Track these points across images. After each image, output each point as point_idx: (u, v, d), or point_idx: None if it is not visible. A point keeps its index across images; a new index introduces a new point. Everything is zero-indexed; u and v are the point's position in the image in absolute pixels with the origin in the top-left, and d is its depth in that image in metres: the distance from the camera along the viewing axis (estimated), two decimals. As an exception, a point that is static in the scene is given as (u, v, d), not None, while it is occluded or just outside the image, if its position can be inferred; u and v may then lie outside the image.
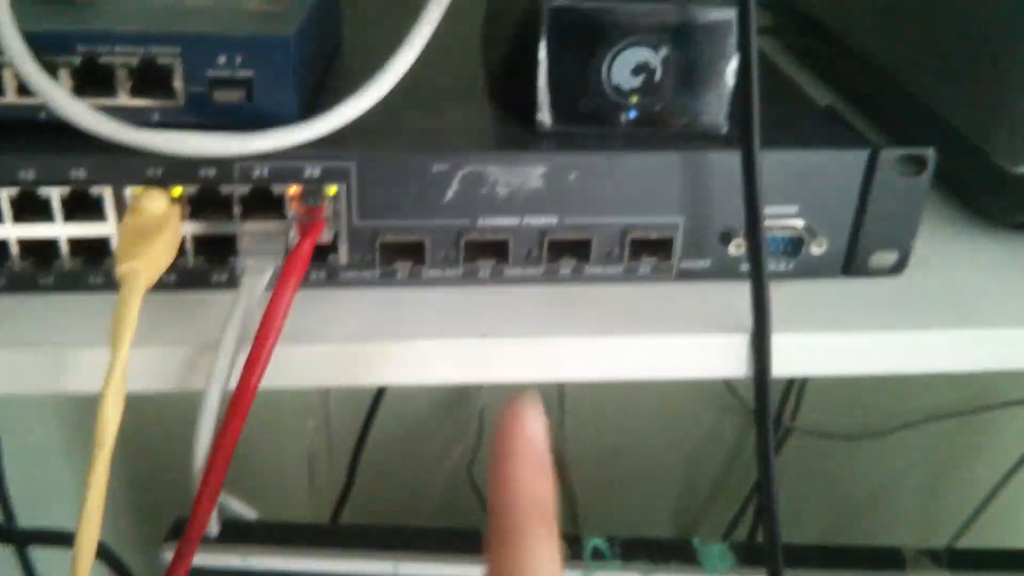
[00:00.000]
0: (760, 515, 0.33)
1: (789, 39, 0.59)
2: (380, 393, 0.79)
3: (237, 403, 0.32)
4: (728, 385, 0.86)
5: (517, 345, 0.35)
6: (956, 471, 0.94)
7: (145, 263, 0.32)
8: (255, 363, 0.32)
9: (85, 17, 0.35)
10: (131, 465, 0.77)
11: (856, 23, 0.50)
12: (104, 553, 0.63)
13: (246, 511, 0.36)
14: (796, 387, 0.83)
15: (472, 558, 0.57)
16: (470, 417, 0.86)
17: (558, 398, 0.85)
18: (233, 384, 0.32)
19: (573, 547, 0.56)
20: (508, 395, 0.28)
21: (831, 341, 0.36)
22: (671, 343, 0.35)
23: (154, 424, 0.66)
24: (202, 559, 0.55)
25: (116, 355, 0.30)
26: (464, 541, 0.58)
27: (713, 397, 0.89)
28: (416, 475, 0.89)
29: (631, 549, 0.57)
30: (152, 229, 0.33)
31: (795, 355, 0.36)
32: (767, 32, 0.60)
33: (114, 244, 0.35)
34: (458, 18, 0.39)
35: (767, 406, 0.35)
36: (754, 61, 0.33)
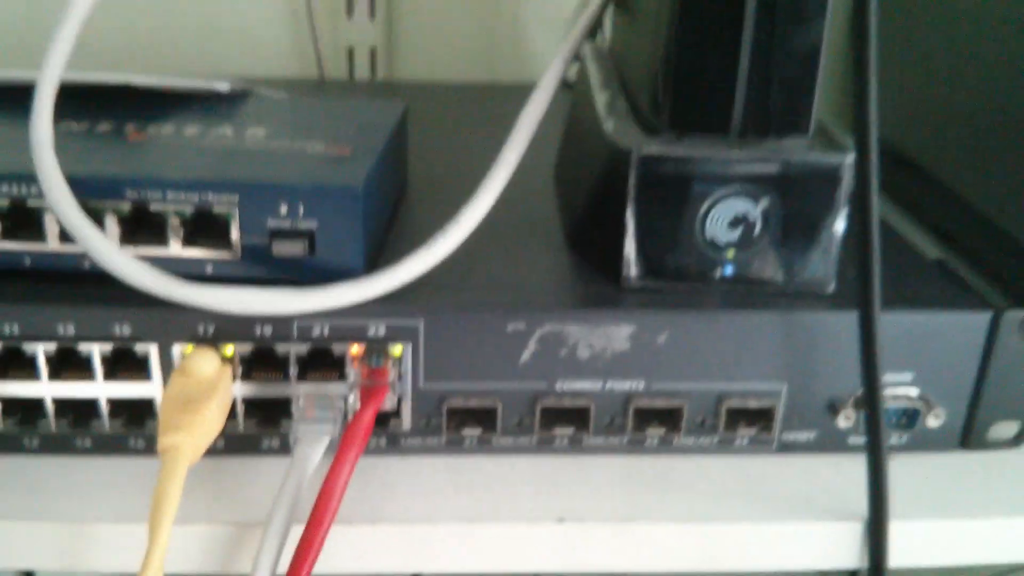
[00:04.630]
0: None
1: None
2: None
3: (286, 598, 0.28)
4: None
5: (599, 531, 0.31)
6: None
7: (190, 436, 0.29)
8: (308, 549, 0.28)
9: (137, 157, 0.33)
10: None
11: (950, 159, 0.46)
12: None
13: None
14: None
15: None
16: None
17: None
18: (282, 570, 0.28)
19: None
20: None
21: (953, 529, 0.32)
22: (775, 531, 0.31)
23: None
24: None
25: (154, 542, 0.27)
26: None
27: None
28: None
29: None
30: (200, 394, 0.30)
31: (914, 544, 0.31)
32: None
33: (158, 408, 0.32)
34: (534, 154, 0.36)
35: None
36: (875, 211, 0.29)
